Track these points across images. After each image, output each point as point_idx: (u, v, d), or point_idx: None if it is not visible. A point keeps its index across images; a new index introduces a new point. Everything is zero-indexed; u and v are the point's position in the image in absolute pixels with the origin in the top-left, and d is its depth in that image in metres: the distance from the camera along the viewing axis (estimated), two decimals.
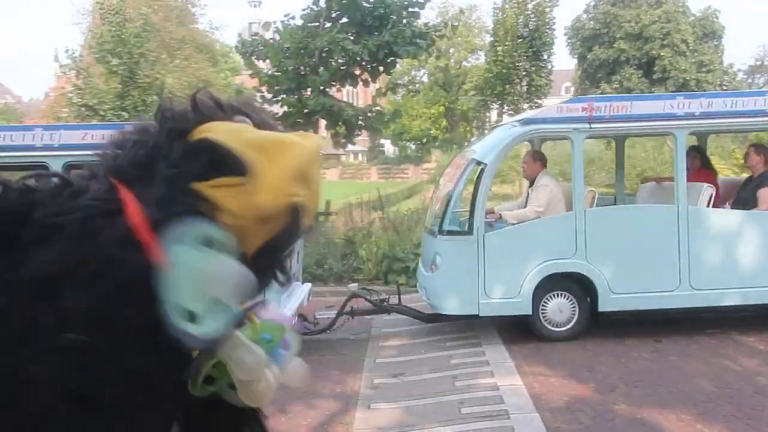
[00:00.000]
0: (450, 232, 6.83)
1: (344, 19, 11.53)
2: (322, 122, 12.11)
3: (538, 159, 7.34)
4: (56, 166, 6.47)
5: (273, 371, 1.09)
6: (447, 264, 6.70)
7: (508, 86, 22.55)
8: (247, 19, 59.86)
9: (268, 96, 11.80)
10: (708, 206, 6.86)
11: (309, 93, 11.40)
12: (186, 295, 0.93)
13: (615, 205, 8.19)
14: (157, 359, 0.98)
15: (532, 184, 7.37)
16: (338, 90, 12.60)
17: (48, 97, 34.71)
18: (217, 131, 0.99)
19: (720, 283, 6.70)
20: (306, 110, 11.40)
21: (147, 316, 0.93)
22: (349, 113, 11.59)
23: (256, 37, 12.18)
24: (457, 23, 15.11)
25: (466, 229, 6.66)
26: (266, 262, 1.05)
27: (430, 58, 33.18)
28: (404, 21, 11.32)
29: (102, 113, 14.45)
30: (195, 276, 0.94)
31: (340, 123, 11.77)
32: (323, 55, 11.20)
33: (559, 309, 6.68)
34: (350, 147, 15.56)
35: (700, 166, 7.62)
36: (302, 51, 11.15)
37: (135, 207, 0.98)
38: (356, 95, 30.25)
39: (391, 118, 12.79)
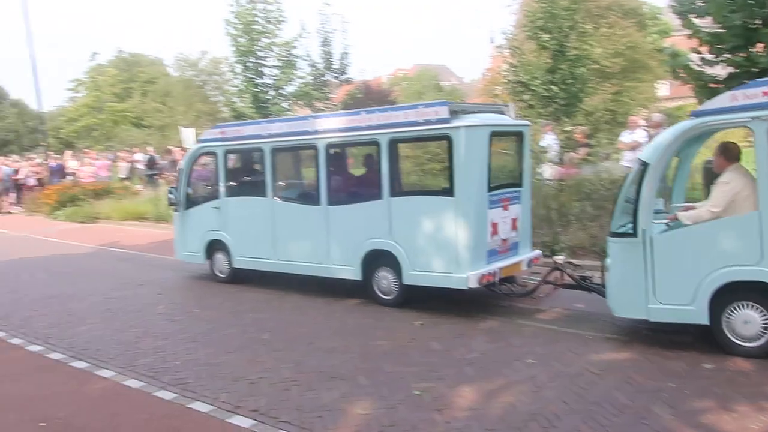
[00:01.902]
0: (616, 234, 6.45)
1: None
2: None
3: (722, 153, 6.30)
4: (321, 145, 8.74)
5: None
6: (615, 266, 6.48)
7: None
8: None
9: (709, 57, 10.69)
10: None
11: (760, 49, 9.92)
12: None
13: None
14: None
15: None
16: None
17: (484, 77, 37.99)
18: None
19: None
20: (755, 69, 9.97)
21: None
22: None
23: None
24: None
25: (631, 231, 6.19)
26: None
27: None
28: None
29: (533, 88, 15.09)
30: None
31: None
32: None
33: (745, 321, 5.75)
34: None
35: None
36: (752, 1, 9.73)
37: None
38: None
39: None
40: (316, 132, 8.81)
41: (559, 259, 7.81)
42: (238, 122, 12.70)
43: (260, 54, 17.73)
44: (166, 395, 5.58)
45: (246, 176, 10.29)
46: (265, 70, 17.96)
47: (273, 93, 17.92)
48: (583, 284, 7.41)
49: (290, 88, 18.23)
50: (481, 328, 7.19)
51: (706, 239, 5.91)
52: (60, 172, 26.15)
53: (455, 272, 7.50)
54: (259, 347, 6.81)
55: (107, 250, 14.52)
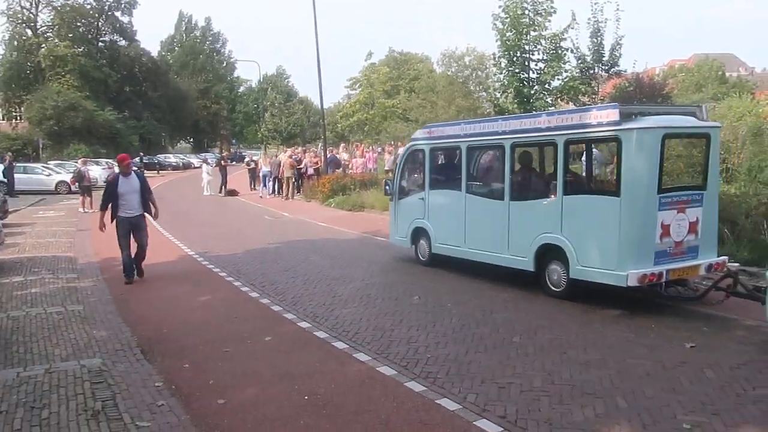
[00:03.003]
0: None
1: None
2: None
3: None
4: (507, 145, 9.39)
5: None
6: None
7: None
8: None
9: None
10: None
11: None
12: None
13: None
14: None
15: None
16: None
17: None
18: None
19: None
20: None
21: None
22: None
23: None
24: None
25: None
26: None
27: None
28: None
29: None
30: None
31: None
32: None
33: None
34: None
35: None
36: None
37: None
38: None
39: None
40: (504, 133, 9.54)
41: (733, 266, 7.66)
42: (443, 123, 13.15)
43: (527, 48, 17.43)
44: (416, 387, 5.66)
45: (445, 171, 11.33)
46: (531, 65, 17.62)
47: (537, 88, 17.52)
48: (755, 295, 7.23)
49: (555, 83, 17.65)
50: None
51: None
52: (334, 163, 28.67)
53: (616, 270, 7.74)
54: (509, 350, 6.63)
55: (370, 237, 15.49)
